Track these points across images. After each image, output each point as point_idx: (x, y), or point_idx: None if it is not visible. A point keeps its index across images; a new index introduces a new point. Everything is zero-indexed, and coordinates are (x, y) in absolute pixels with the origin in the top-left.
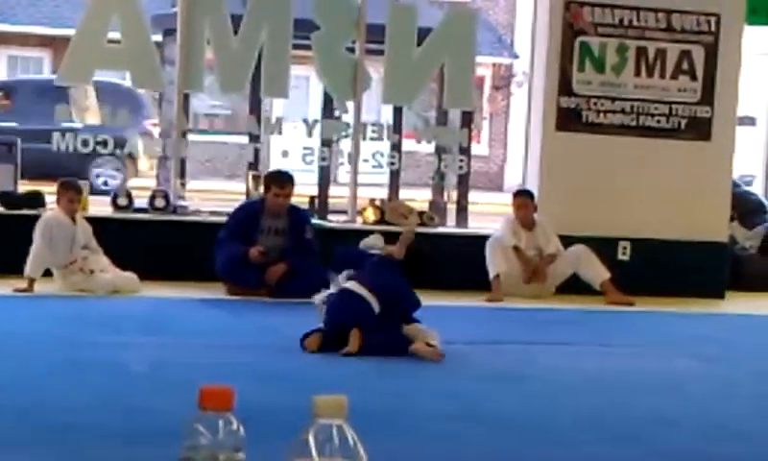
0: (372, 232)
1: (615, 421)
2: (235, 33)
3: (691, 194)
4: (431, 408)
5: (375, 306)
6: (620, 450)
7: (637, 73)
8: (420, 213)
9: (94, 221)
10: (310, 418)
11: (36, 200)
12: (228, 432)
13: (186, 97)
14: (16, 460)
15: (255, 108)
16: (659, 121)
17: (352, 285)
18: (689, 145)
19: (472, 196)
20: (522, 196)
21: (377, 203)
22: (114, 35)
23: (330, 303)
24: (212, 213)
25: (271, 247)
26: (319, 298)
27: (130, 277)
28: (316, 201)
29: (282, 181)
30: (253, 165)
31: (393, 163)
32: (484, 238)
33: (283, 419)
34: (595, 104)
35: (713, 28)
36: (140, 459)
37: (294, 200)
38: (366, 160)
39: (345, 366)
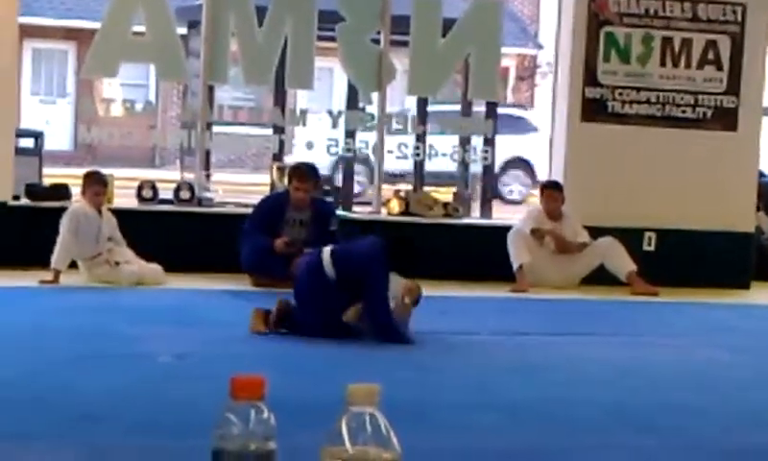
0: (397, 224)
1: (641, 411)
2: (260, 25)
3: (717, 184)
4: (456, 399)
5: (331, 273)
6: (646, 441)
7: (663, 63)
8: (445, 204)
9: (119, 213)
10: (343, 406)
11: (61, 192)
12: (259, 421)
13: (211, 89)
14: (42, 450)
15: (280, 99)
16: (684, 111)
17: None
18: (715, 135)
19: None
20: (551, 188)
21: (402, 194)
22: (139, 27)
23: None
24: (237, 205)
25: (295, 238)
26: None
27: (155, 268)
28: (341, 192)
29: (302, 174)
30: (278, 157)
31: (417, 154)
32: (509, 229)
33: (311, 408)
34: (621, 94)
35: (739, 17)
36: (167, 450)
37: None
38: (390, 152)
39: (371, 356)
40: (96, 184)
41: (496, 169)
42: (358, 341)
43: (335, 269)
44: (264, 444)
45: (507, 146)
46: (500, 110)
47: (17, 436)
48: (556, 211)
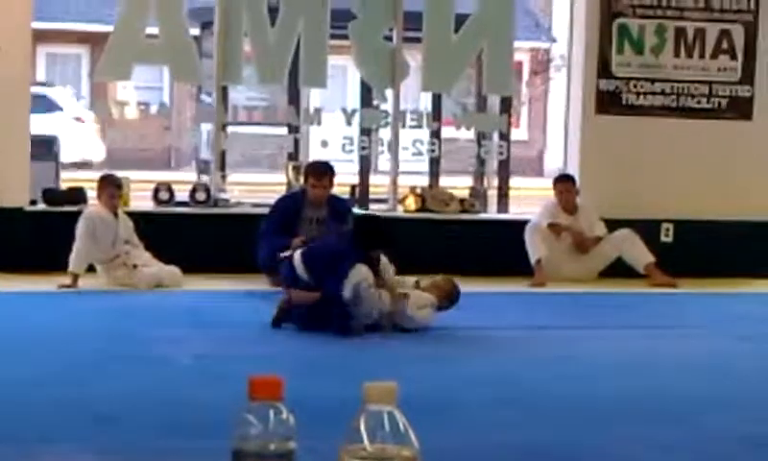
0: (412, 220)
1: (661, 402)
2: (272, 24)
3: (733, 174)
4: (476, 394)
5: (304, 276)
6: (667, 432)
7: (677, 54)
8: (461, 200)
9: (136, 216)
10: (360, 405)
11: (77, 196)
12: (278, 422)
13: (225, 90)
14: (62, 452)
15: (294, 98)
16: (699, 102)
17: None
18: (730, 125)
19: (513, 181)
20: (564, 181)
21: (418, 191)
22: (152, 30)
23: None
24: (253, 205)
25: (313, 237)
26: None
27: (173, 270)
28: (357, 190)
29: (319, 172)
30: (293, 156)
31: (432, 151)
32: (525, 223)
33: (330, 407)
34: (635, 86)
35: (752, 6)
36: (186, 451)
37: (335, 189)
38: (405, 148)
39: (390, 353)
40: (111, 187)
41: None
42: (375, 339)
43: (307, 270)
44: (284, 444)
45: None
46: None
47: (37, 438)
48: (570, 204)
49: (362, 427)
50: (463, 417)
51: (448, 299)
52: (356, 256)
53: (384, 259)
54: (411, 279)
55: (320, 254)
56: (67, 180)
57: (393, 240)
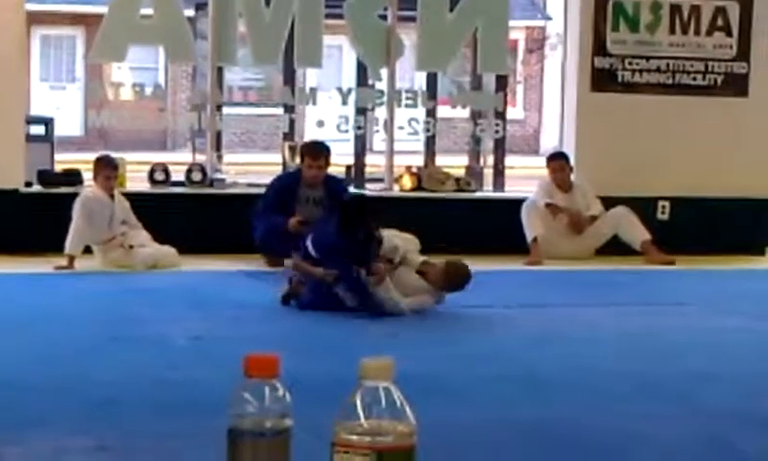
0: (408, 199)
1: (660, 379)
2: (267, 4)
3: (729, 151)
4: (475, 372)
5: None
6: (665, 408)
7: (672, 31)
8: (457, 179)
9: (132, 196)
10: (357, 381)
11: (73, 177)
12: (274, 399)
13: (220, 70)
14: (60, 434)
15: (289, 78)
16: (695, 78)
17: None
18: (726, 102)
19: (509, 160)
20: (557, 159)
21: (414, 170)
22: (146, 10)
23: None
24: (249, 185)
25: (309, 217)
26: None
27: (169, 251)
28: (352, 169)
29: (316, 151)
30: (289, 136)
31: (428, 130)
32: (522, 202)
33: (328, 386)
34: (630, 63)
35: None
36: (184, 431)
37: (330, 169)
38: (401, 128)
39: (389, 332)
40: (106, 168)
41: None
42: (374, 318)
43: (316, 252)
44: (280, 421)
45: None
46: None
47: (34, 421)
48: (564, 182)
49: (358, 403)
50: (460, 394)
51: (452, 286)
52: (344, 244)
53: (395, 241)
54: (418, 259)
55: (321, 241)
56: (62, 161)
57: (380, 218)
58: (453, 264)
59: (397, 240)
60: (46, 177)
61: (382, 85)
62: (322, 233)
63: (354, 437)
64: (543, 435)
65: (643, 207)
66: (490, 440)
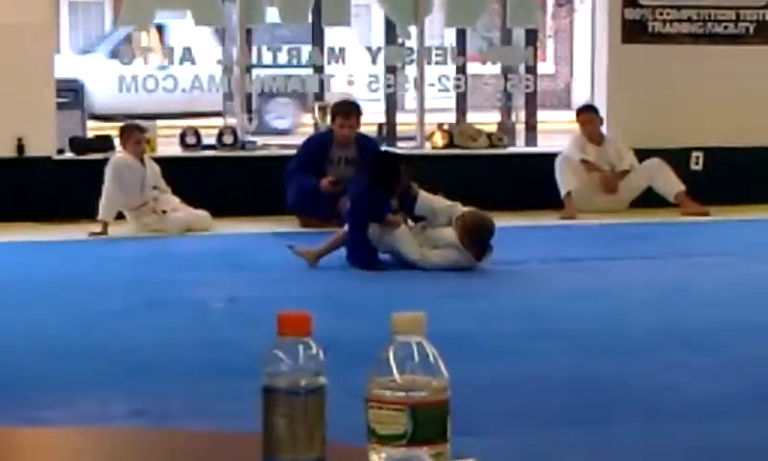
0: (440, 157)
1: (696, 330)
2: None
3: (761, 99)
4: (509, 328)
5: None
6: (699, 359)
7: None
8: (489, 135)
9: (163, 161)
10: (389, 337)
11: (105, 143)
12: (307, 357)
13: (248, 32)
14: (96, 398)
15: (318, 38)
16: (726, 27)
17: None
18: (758, 50)
19: (541, 115)
20: (586, 111)
21: (445, 127)
22: None
23: None
24: (281, 147)
25: (341, 177)
26: None
27: (202, 214)
28: (384, 128)
29: (347, 111)
30: (319, 96)
31: (459, 86)
32: (554, 156)
33: (361, 344)
34: (661, 14)
35: None
36: (219, 393)
37: (362, 128)
38: (431, 85)
39: (420, 289)
40: (135, 133)
41: None
42: (405, 276)
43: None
44: (314, 379)
45: None
46: None
47: (71, 385)
48: (595, 135)
49: (391, 358)
50: (494, 349)
51: (475, 238)
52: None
53: (431, 203)
54: (459, 209)
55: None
56: (94, 128)
57: (414, 168)
58: (470, 213)
59: (436, 204)
60: (78, 143)
61: (411, 43)
62: (354, 192)
63: (388, 392)
64: (580, 389)
65: (676, 159)
66: (526, 394)
